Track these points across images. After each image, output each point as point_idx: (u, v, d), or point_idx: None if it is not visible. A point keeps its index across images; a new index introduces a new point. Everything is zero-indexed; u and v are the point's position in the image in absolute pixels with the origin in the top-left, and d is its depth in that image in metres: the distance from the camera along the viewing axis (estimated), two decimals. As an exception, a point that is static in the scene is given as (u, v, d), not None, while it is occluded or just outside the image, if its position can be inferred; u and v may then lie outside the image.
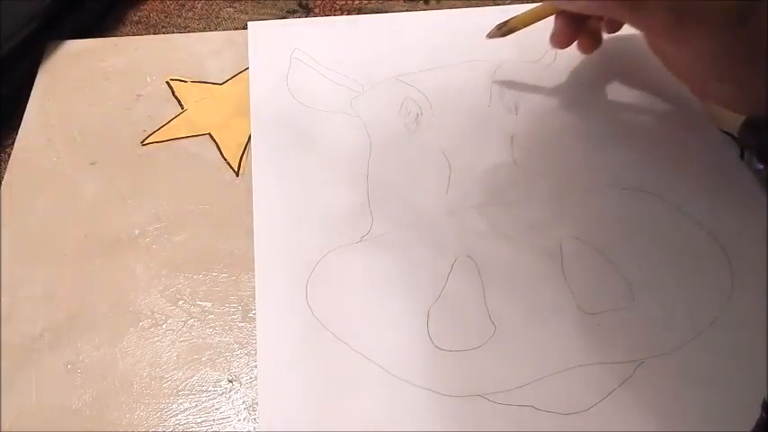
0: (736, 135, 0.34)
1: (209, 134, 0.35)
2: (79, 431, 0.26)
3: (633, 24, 0.30)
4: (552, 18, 0.34)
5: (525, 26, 0.34)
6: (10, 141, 0.35)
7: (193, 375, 0.28)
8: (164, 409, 0.27)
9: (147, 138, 0.35)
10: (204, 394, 0.27)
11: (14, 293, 0.30)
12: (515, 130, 0.35)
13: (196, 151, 0.35)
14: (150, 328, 0.29)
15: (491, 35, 0.35)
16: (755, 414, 0.23)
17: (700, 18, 0.28)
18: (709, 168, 0.34)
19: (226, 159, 0.34)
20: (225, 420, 0.27)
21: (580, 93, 0.36)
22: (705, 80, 0.32)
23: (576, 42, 0.35)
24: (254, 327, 0.29)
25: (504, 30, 0.35)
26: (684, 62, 0.31)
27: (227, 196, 0.33)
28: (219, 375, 0.28)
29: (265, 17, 0.42)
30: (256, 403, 0.27)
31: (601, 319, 0.29)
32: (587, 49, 0.35)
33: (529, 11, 0.34)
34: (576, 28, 0.34)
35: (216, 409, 0.27)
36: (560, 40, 0.34)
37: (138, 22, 0.42)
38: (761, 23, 0.28)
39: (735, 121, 0.33)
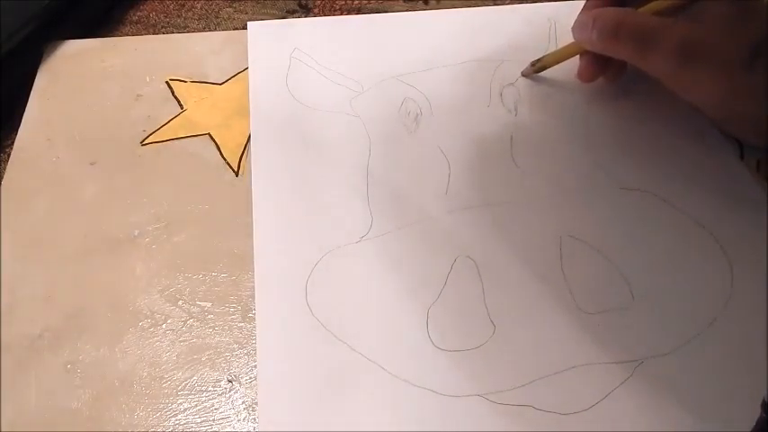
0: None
1: (209, 134, 0.35)
2: (79, 431, 0.26)
3: (640, 67, 0.31)
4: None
5: (556, 63, 0.36)
6: (10, 141, 0.35)
7: (193, 375, 0.28)
8: (163, 409, 0.27)
9: (146, 138, 0.35)
10: (204, 394, 0.27)
11: (14, 293, 0.30)
12: (515, 130, 0.35)
13: (196, 151, 0.35)
14: (150, 328, 0.29)
15: (525, 72, 0.37)
16: (755, 414, 0.23)
17: (704, 63, 0.29)
18: (709, 168, 0.34)
19: (225, 159, 0.34)
20: (225, 420, 0.27)
21: (580, 93, 0.36)
22: (719, 118, 0.33)
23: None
24: (254, 327, 0.29)
25: (537, 66, 0.37)
26: (697, 104, 0.32)
27: (226, 196, 0.33)
28: (219, 375, 0.28)
29: (265, 17, 0.42)
30: (256, 403, 0.27)
31: (600, 319, 0.29)
32: (610, 80, 0.36)
33: (559, 50, 0.36)
34: (600, 66, 0.35)
35: (216, 409, 0.27)
36: (585, 77, 0.36)
37: (137, 22, 0.42)
38: None
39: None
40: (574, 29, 0.34)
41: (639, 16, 0.31)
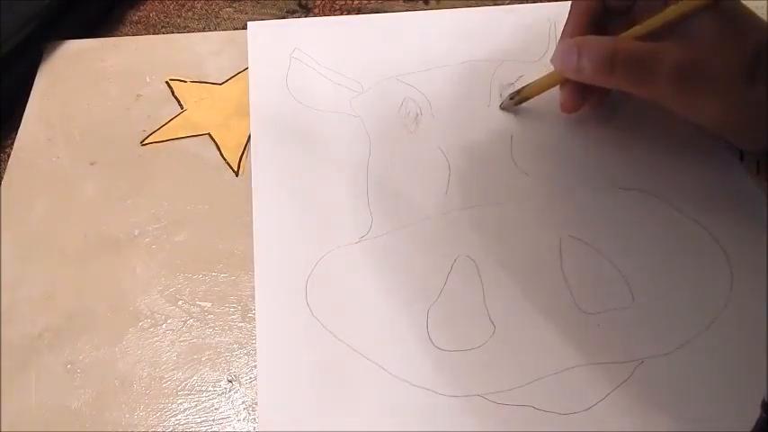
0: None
1: (209, 134, 0.35)
2: (79, 431, 0.26)
3: (639, 95, 0.31)
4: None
5: (538, 94, 0.35)
6: (10, 141, 0.35)
7: (193, 375, 0.28)
8: (163, 409, 0.27)
9: (146, 138, 0.35)
10: (204, 394, 0.27)
11: (14, 293, 0.30)
12: (515, 130, 0.35)
13: (196, 151, 0.35)
14: (150, 328, 0.29)
15: (504, 106, 0.36)
16: (755, 414, 0.23)
17: (704, 84, 0.29)
18: (709, 169, 0.34)
19: (225, 159, 0.34)
20: (225, 420, 0.27)
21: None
22: (722, 135, 0.33)
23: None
24: (254, 327, 0.29)
25: (516, 99, 0.35)
26: (698, 122, 0.32)
27: (226, 196, 0.33)
28: (219, 375, 0.28)
29: (265, 17, 0.42)
30: (256, 403, 0.27)
31: (600, 319, 0.29)
32: (595, 107, 0.35)
33: (539, 80, 0.34)
34: (582, 95, 0.34)
35: (216, 409, 0.27)
36: (569, 107, 0.34)
37: (137, 22, 0.42)
38: None
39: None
40: (555, 59, 0.32)
41: (631, 44, 0.30)
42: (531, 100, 0.36)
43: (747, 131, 0.31)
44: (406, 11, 0.42)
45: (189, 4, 0.43)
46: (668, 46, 0.29)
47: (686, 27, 0.29)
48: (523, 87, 0.35)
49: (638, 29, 0.31)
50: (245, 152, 0.35)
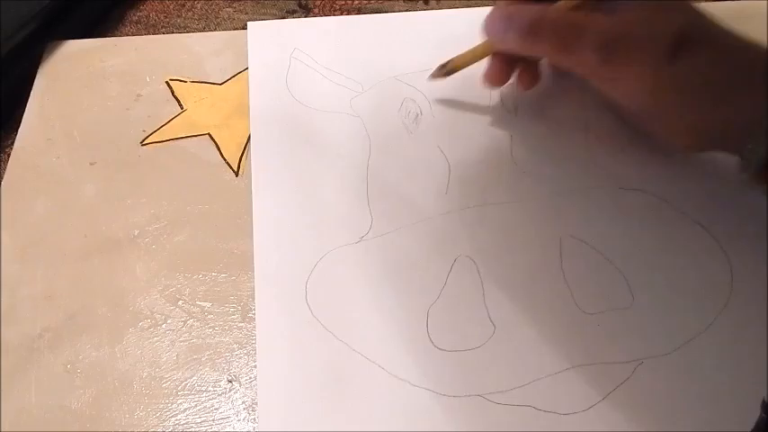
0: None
1: (209, 134, 0.35)
2: (79, 431, 0.26)
3: (563, 65, 0.31)
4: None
5: (466, 66, 0.35)
6: (10, 141, 0.35)
7: (193, 375, 0.28)
8: (163, 409, 0.27)
9: (146, 138, 0.35)
10: (204, 394, 0.27)
11: (14, 293, 0.30)
12: (515, 129, 0.35)
13: (195, 151, 0.35)
14: (150, 328, 0.29)
15: (434, 75, 0.36)
16: (755, 414, 0.23)
17: (628, 54, 0.28)
18: (709, 168, 0.34)
19: (225, 159, 0.34)
20: (224, 420, 0.27)
21: (579, 92, 0.36)
22: (648, 119, 0.31)
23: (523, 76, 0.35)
24: (254, 327, 0.29)
25: (445, 70, 0.35)
26: (622, 101, 0.31)
27: (226, 196, 0.33)
28: (219, 375, 0.28)
29: (265, 17, 0.42)
30: (256, 403, 0.27)
31: (600, 319, 0.29)
32: (526, 86, 0.35)
33: (469, 51, 0.34)
34: (508, 67, 0.34)
35: (215, 409, 0.27)
36: (492, 79, 0.34)
37: (137, 22, 0.42)
38: (703, 52, 0.28)
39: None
40: (486, 28, 0.32)
41: (558, 12, 0.30)
42: (531, 100, 0.36)
43: (672, 116, 0.30)
44: (406, 11, 0.42)
45: (189, 4, 0.43)
46: (595, 16, 0.29)
47: (615, 2, 0.29)
48: (453, 58, 0.35)
49: (567, 1, 0.30)
50: (245, 152, 0.35)
